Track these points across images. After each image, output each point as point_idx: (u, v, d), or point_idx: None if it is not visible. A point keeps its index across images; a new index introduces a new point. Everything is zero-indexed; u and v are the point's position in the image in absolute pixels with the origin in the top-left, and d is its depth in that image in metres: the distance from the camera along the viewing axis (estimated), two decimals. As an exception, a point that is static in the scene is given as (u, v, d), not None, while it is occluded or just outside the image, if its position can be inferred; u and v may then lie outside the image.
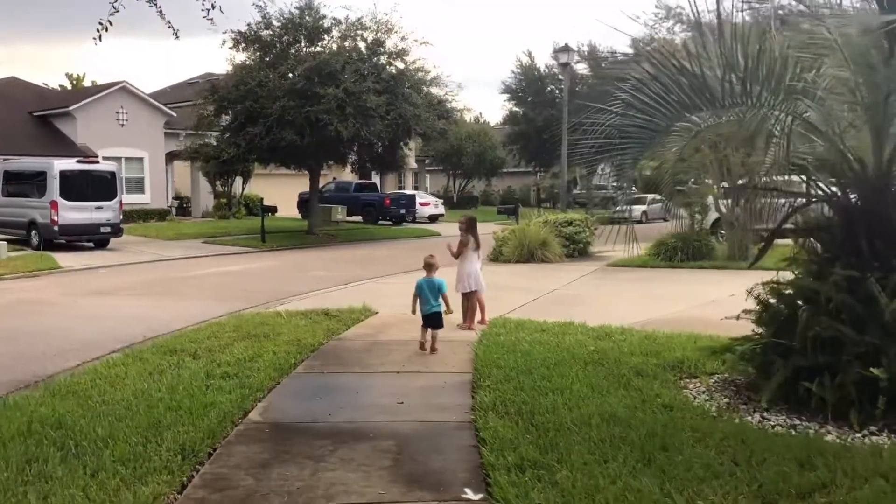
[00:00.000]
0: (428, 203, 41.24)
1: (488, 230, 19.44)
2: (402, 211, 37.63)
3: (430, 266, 8.98)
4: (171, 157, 35.13)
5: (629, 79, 5.81)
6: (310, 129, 24.13)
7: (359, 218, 37.12)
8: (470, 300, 10.23)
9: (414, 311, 8.88)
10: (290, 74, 25.04)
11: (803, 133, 6.42)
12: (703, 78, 5.57)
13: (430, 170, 60.07)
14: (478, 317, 10.32)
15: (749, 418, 5.87)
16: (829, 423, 5.64)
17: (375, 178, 43.65)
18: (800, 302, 6.41)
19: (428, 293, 8.75)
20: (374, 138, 25.69)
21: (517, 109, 52.18)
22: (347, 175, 42.66)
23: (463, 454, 5.39)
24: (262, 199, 30.55)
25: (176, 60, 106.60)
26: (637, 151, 5.78)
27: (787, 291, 6.59)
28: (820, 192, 6.52)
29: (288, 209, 39.13)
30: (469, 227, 10.50)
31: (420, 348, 8.57)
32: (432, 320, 8.66)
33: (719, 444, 5.15)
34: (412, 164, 48.63)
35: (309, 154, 26.42)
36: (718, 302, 12.57)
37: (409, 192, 44.26)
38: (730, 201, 19.43)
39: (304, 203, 35.76)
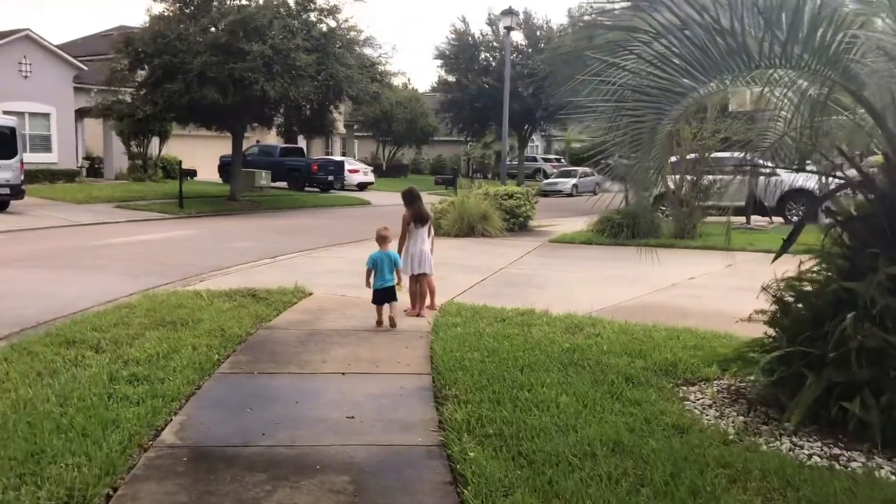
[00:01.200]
0: (357, 170, 39.70)
1: (426, 202, 18.24)
2: (330, 178, 35.93)
3: (383, 239, 8.42)
4: (81, 113, 32.73)
5: (648, 30, 4.67)
6: (233, 88, 22.57)
7: (284, 184, 35.39)
8: (420, 284, 9.08)
9: (369, 285, 8.38)
10: (213, 28, 23.45)
11: (830, 104, 5.45)
12: (743, 36, 4.48)
13: (359, 136, 58.20)
14: (427, 301, 9.21)
15: (777, 443, 4.88)
16: (876, 454, 4.68)
17: (302, 143, 41.83)
18: (819, 302, 5.47)
19: (383, 267, 8.25)
20: (302, 100, 24.20)
21: (449, 77, 50.80)
22: (272, 138, 40.85)
23: (438, 496, 4.24)
24: (180, 161, 28.63)
25: (88, 12, 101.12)
26: (655, 117, 4.69)
27: (804, 288, 5.64)
28: (854, 174, 5.56)
29: (208, 173, 37.23)
30: (408, 201, 9.29)
31: (377, 325, 8.26)
32: (387, 295, 8.28)
33: (760, 487, 4.12)
34: (341, 129, 46.87)
35: (232, 114, 24.89)
36: (680, 286, 11.79)
37: (337, 158, 42.57)
38: (678, 177, 18.75)
39: (225, 167, 33.97)
